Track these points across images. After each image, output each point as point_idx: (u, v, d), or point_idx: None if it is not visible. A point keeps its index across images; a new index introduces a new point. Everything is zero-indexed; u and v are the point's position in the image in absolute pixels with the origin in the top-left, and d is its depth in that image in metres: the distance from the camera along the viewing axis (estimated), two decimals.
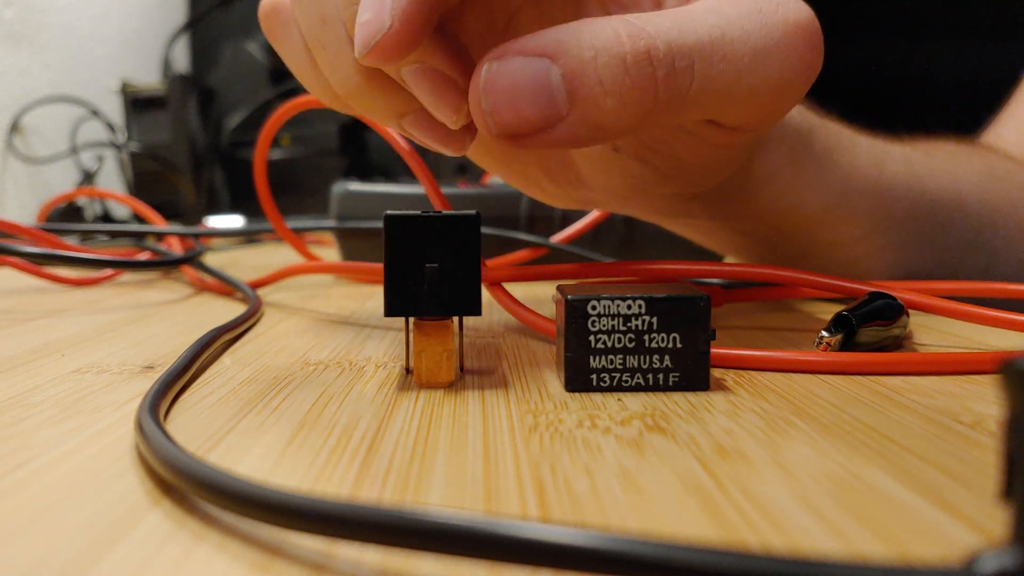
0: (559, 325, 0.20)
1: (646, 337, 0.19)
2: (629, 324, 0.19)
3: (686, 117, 0.20)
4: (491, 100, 0.18)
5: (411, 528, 0.09)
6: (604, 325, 0.19)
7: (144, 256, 0.47)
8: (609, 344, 0.19)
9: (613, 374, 0.19)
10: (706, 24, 0.19)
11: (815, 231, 0.31)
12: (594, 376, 0.19)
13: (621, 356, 0.19)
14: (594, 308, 0.19)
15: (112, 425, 0.16)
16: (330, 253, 0.56)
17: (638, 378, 0.19)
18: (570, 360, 0.19)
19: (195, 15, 1.19)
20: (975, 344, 0.24)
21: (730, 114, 0.21)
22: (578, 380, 0.19)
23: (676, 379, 0.19)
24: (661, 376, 0.19)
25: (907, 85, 0.54)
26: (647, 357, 0.19)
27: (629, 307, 0.19)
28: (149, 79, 1.05)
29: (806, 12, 0.21)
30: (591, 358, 0.19)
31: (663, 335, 0.19)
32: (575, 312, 0.19)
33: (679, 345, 0.19)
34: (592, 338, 0.19)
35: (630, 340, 0.19)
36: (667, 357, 0.19)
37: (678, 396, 0.18)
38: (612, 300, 0.19)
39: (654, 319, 0.19)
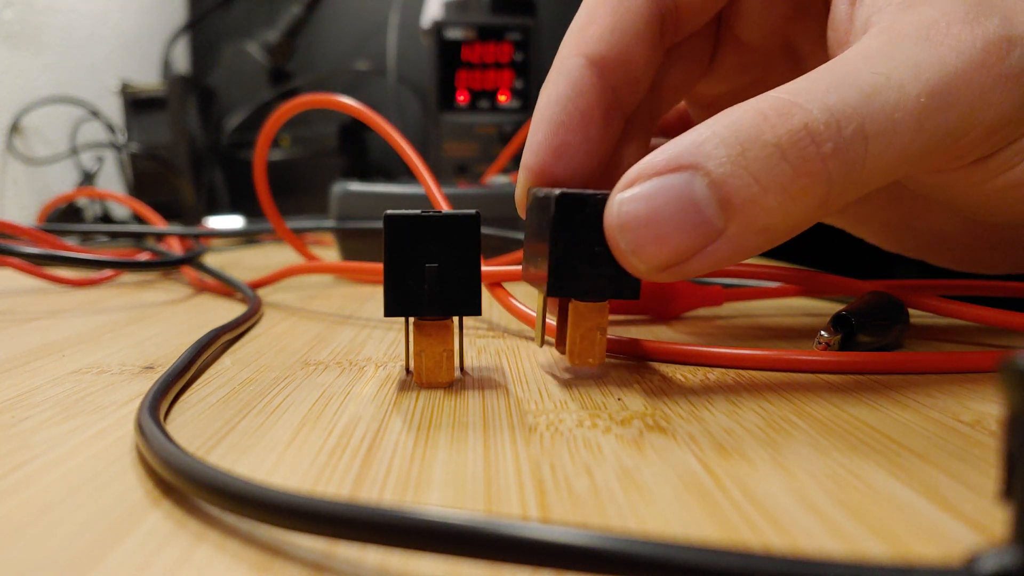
0: (533, 227, 0.20)
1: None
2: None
3: (878, 185, 0.17)
4: (630, 238, 0.16)
5: (411, 528, 0.09)
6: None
7: (144, 257, 0.47)
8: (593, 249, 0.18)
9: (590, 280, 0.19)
10: (866, 73, 0.16)
11: None
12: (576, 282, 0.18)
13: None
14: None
15: (112, 425, 0.16)
16: (330, 253, 0.56)
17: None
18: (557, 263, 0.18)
19: (195, 15, 1.19)
20: (975, 344, 0.24)
21: (943, 158, 0.18)
22: (563, 286, 0.19)
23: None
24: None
25: None
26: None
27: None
28: (149, 80, 1.05)
29: (992, 25, 0.17)
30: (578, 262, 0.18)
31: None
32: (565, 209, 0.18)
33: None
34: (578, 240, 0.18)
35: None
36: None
37: (678, 396, 0.18)
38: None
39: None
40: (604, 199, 0.18)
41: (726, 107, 0.23)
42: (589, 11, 0.21)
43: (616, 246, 0.17)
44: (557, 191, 0.18)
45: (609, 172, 0.23)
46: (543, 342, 0.21)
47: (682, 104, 0.28)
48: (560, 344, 0.21)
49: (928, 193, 0.21)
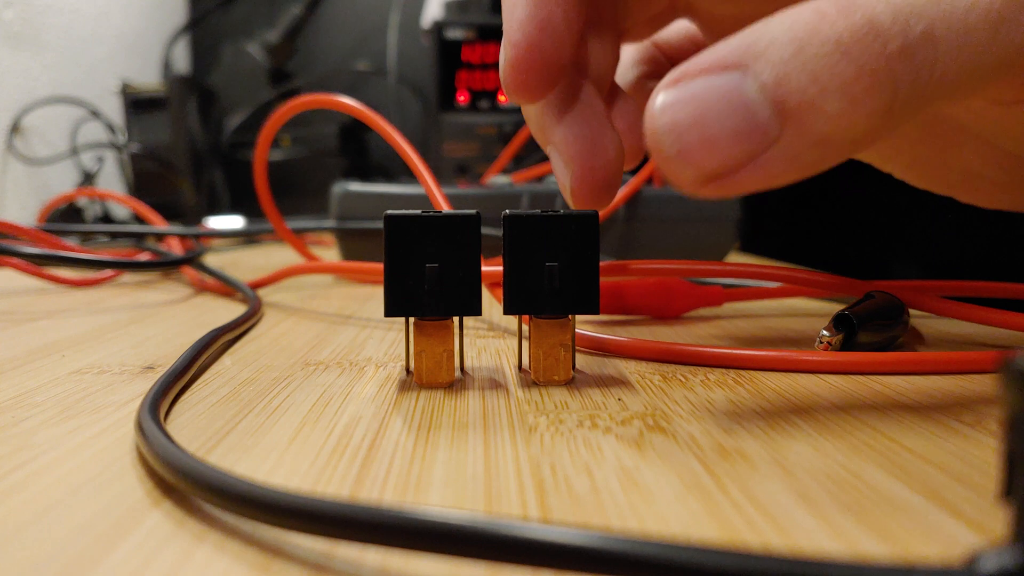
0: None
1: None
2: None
3: (946, 100, 0.15)
4: (673, 140, 0.14)
5: (411, 528, 0.09)
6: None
7: (144, 257, 0.47)
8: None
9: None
10: None
11: None
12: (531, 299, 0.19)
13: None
14: None
15: (112, 426, 0.16)
16: (330, 253, 0.56)
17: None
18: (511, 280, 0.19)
19: (195, 16, 1.19)
20: (975, 344, 0.24)
21: (1016, 83, 0.16)
22: (518, 304, 0.19)
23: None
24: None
25: None
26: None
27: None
28: (149, 80, 1.05)
29: None
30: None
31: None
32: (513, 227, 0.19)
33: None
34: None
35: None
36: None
37: (679, 396, 0.18)
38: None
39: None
40: (554, 217, 0.19)
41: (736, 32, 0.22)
42: None
43: (659, 151, 0.15)
44: (507, 211, 0.19)
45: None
46: (521, 363, 0.21)
47: (698, 34, 0.27)
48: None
49: (988, 133, 0.20)
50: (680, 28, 0.27)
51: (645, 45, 0.27)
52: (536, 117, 0.23)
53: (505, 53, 0.20)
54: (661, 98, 0.15)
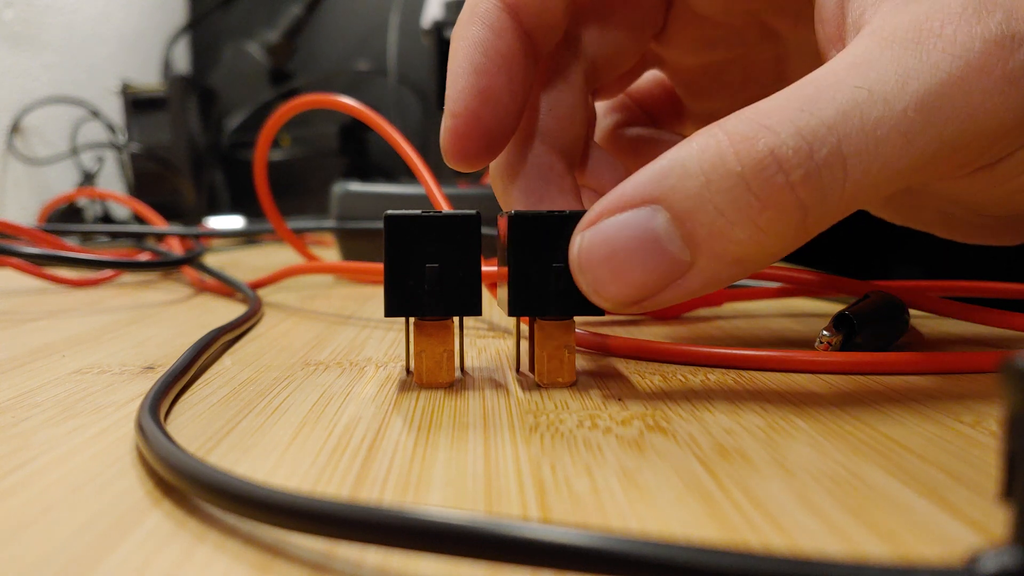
0: (499, 250, 0.20)
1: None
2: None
3: (869, 202, 0.16)
4: (590, 278, 0.16)
5: (411, 528, 0.09)
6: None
7: (144, 257, 0.47)
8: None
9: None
10: (847, 87, 0.15)
11: None
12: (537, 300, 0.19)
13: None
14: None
15: (113, 425, 0.16)
16: (330, 253, 0.56)
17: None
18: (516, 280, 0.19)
19: (195, 16, 1.19)
20: (975, 344, 0.24)
21: (939, 171, 0.16)
22: (523, 306, 0.19)
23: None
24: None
25: None
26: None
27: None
28: (149, 80, 1.05)
29: (994, 22, 0.15)
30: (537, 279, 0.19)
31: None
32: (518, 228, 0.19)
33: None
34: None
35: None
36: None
37: (679, 396, 0.18)
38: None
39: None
40: (560, 217, 0.18)
41: (707, 82, 0.22)
42: None
43: (579, 285, 0.17)
44: (512, 212, 0.19)
45: (527, 119, 0.22)
46: (519, 366, 0.21)
47: (665, 78, 0.28)
48: (532, 364, 0.21)
49: (931, 193, 0.21)
50: (649, 75, 0.28)
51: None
52: (492, 178, 0.23)
53: (445, 122, 0.20)
54: (577, 240, 0.16)
